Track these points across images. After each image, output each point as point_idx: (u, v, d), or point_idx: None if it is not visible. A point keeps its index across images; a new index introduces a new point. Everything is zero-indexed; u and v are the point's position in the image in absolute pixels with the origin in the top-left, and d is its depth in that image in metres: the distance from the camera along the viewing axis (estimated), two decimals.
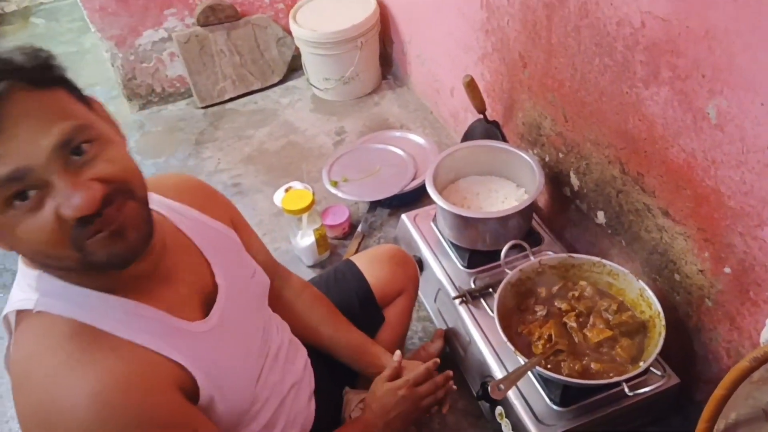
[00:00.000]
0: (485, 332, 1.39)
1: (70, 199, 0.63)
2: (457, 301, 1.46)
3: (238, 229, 1.01)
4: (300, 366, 1.08)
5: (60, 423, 0.66)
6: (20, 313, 0.73)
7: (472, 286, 1.49)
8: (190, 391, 0.78)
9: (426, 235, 1.67)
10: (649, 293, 1.22)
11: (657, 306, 1.20)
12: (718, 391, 0.73)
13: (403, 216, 1.75)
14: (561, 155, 1.57)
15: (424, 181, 1.97)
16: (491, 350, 1.36)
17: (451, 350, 1.55)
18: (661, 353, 1.14)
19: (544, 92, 1.54)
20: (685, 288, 1.26)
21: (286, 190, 2.05)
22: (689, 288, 1.25)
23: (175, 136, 2.65)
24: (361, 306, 1.27)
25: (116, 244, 0.68)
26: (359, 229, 1.99)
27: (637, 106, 1.20)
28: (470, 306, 1.45)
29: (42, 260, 0.71)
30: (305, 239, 1.87)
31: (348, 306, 1.26)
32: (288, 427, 1.00)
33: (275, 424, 0.97)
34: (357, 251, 1.93)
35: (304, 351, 1.13)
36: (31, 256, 0.72)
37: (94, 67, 3.28)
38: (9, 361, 0.74)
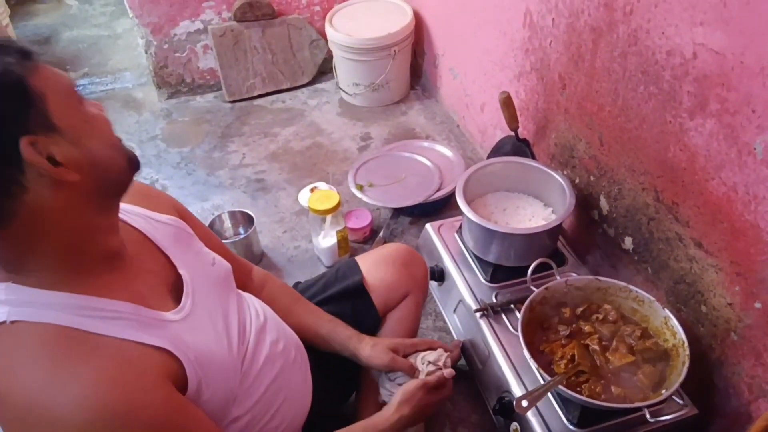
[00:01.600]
0: (505, 347, 1.40)
1: (93, 104, 0.78)
2: (478, 315, 1.46)
3: (186, 220, 1.03)
4: (290, 344, 1.09)
5: (49, 417, 0.65)
6: None
7: (494, 300, 1.50)
8: (179, 380, 0.79)
9: (450, 246, 1.68)
10: (674, 322, 1.23)
11: (681, 335, 1.21)
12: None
13: (428, 225, 1.75)
14: (592, 178, 1.58)
15: (448, 191, 2.01)
16: (510, 366, 1.36)
17: (468, 363, 1.55)
18: (682, 383, 1.14)
19: (582, 115, 1.55)
20: (711, 320, 1.26)
21: (312, 190, 2.06)
22: (715, 320, 1.25)
23: (201, 128, 2.67)
24: (354, 306, 1.26)
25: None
26: (381, 234, 2.00)
27: (680, 135, 1.21)
28: (491, 320, 1.45)
29: (106, 177, 0.76)
30: (327, 240, 1.88)
31: (340, 306, 1.26)
32: (288, 401, 1.02)
33: (274, 400, 0.98)
34: None
35: (292, 332, 1.14)
36: (101, 162, 0.75)
37: (125, 52, 3.31)
38: None
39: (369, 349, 1.18)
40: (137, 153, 2.47)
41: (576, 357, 1.23)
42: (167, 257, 0.92)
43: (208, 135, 2.62)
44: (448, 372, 1.16)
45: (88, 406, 0.66)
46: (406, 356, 1.20)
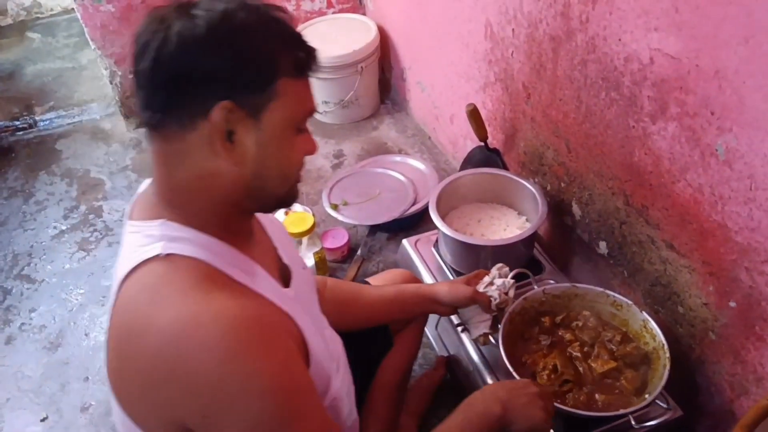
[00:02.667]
0: (488, 361, 1.39)
1: (312, 143, 0.83)
2: (459, 329, 1.45)
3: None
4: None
5: (199, 336, 0.67)
6: (142, 264, 0.73)
7: (459, 330, 1.48)
8: (300, 350, 0.81)
9: (427, 261, 1.67)
10: (653, 325, 1.23)
11: (661, 338, 1.21)
12: (738, 430, 0.73)
13: (404, 241, 1.75)
14: (563, 185, 1.59)
15: (423, 205, 2.00)
16: (494, 379, 1.35)
17: (452, 378, 1.55)
18: (664, 385, 1.15)
19: (548, 123, 1.56)
20: (689, 321, 1.27)
21: (286, 213, 2.04)
22: (692, 321, 1.26)
23: None
24: (371, 329, 1.26)
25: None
26: (359, 252, 1.99)
27: (644, 140, 1.22)
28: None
29: (263, 188, 0.78)
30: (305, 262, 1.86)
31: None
32: (348, 395, 1.01)
33: (343, 395, 0.97)
34: (356, 275, 1.93)
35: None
36: (267, 179, 0.77)
37: (90, 83, 3.27)
38: (125, 296, 0.73)
39: (447, 288, 1.23)
40: (107, 185, 2.46)
41: (559, 367, 1.23)
42: (275, 248, 0.95)
43: None
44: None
45: (233, 338, 0.67)
46: None
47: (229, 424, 0.67)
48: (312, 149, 0.83)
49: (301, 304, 0.89)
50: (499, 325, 1.25)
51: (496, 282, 1.24)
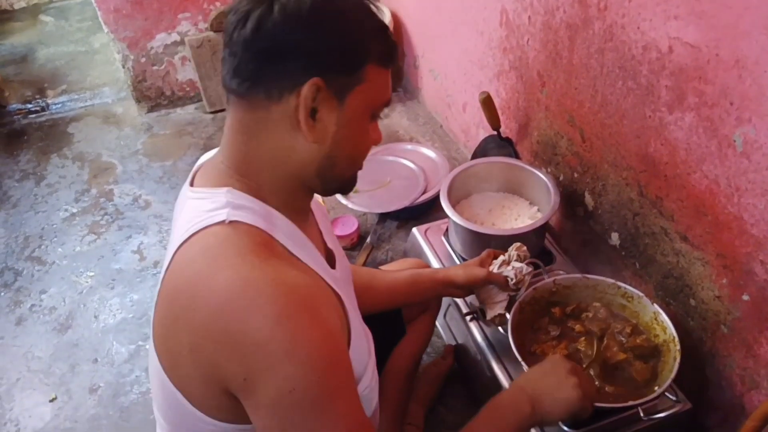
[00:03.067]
0: (496, 350, 1.39)
1: (379, 133, 0.85)
2: (468, 318, 1.45)
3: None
4: None
5: (253, 297, 0.68)
6: (203, 228, 0.75)
7: (477, 305, 1.48)
8: (344, 334, 0.82)
9: (437, 249, 1.67)
10: (664, 317, 1.22)
11: (672, 330, 1.20)
12: (750, 423, 0.73)
13: (414, 229, 1.74)
14: (576, 175, 1.57)
15: (434, 194, 1.99)
16: (502, 368, 1.35)
17: (460, 367, 1.55)
18: (674, 378, 1.14)
19: (562, 112, 1.54)
20: (700, 313, 1.26)
21: None
22: (704, 314, 1.24)
23: (183, 140, 2.64)
24: (384, 315, 1.26)
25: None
26: (368, 240, 1.99)
27: (660, 130, 1.21)
28: (481, 323, 1.44)
29: (332, 169, 0.80)
30: None
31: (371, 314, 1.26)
32: (376, 387, 0.99)
33: (374, 385, 0.96)
34: (365, 263, 1.92)
35: None
36: (337, 161, 0.79)
37: (102, 67, 3.28)
38: (182, 258, 0.74)
39: (461, 270, 1.24)
40: (118, 169, 2.47)
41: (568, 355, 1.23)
42: (320, 232, 0.96)
43: (190, 147, 2.59)
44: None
45: (285, 302, 0.68)
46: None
47: (267, 388, 0.68)
48: (379, 138, 0.85)
49: (345, 288, 0.90)
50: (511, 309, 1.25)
51: (514, 265, 1.24)
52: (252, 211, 0.76)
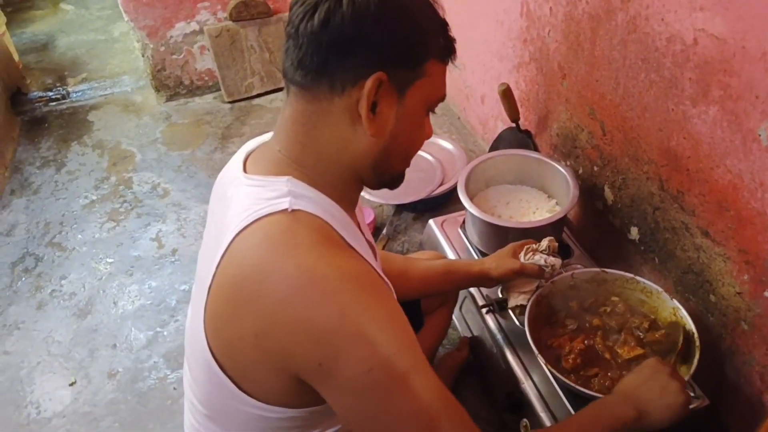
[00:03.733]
0: (512, 343, 1.38)
1: (431, 128, 0.85)
2: (484, 310, 1.45)
3: None
4: None
5: (324, 285, 0.69)
6: (263, 216, 0.76)
7: (500, 295, 1.48)
8: None
9: (453, 242, 1.66)
10: (683, 313, 1.21)
11: (691, 326, 1.19)
12: None
13: (431, 221, 1.74)
14: (596, 168, 1.56)
15: (451, 186, 1.99)
16: (518, 361, 1.35)
17: (475, 359, 1.54)
18: (692, 374, 1.13)
19: (583, 105, 1.53)
20: (720, 310, 1.24)
21: None
22: (725, 310, 1.23)
23: (201, 129, 2.66)
24: (403, 306, 1.26)
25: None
26: (384, 231, 1.99)
27: (683, 123, 1.19)
28: (497, 316, 1.44)
29: (387, 163, 0.81)
30: None
31: None
32: None
33: None
34: None
35: None
36: (393, 154, 0.81)
37: (122, 56, 3.30)
38: (244, 245, 0.74)
39: (495, 263, 1.23)
40: (137, 157, 2.49)
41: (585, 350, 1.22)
42: (358, 224, 0.97)
43: (208, 136, 2.61)
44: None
45: (354, 288, 0.70)
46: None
47: (344, 371, 0.69)
48: (430, 133, 0.86)
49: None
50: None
51: (546, 258, 1.23)
52: (312, 201, 0.77)
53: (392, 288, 0.86)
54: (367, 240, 0.96)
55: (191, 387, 0.90)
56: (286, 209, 0.74)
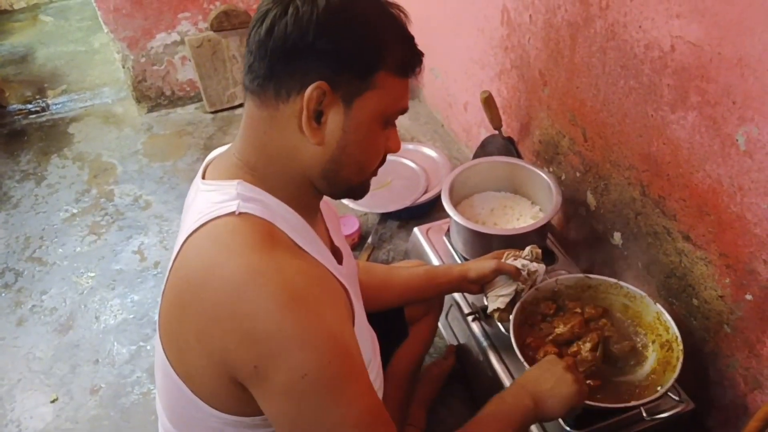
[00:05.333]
0: (498, 350, 1.38)
1: (396, 141, 0.84)
2: (470, 318, 1.45)
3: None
4: None
5: (262, 285, 0.69)
6: (212, 219, 0.76)
7: (486, 303, 1.48)
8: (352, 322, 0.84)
9: (438, 249, 1.66)
10: (667, 317, 1.22)
11: (674, 330, 1.19)
12: (753, 423, 0.73)
13: (416, 229, 1.74)
14: (578, 174, 1.57)
15: (435, 194, 1.99)
16: (504, 368, 1.34)
17: (461, 367, 1.54)
18: (677, 378, 1.13)
19: (564, 111, 1.54)
20: (703, 313, 1.25)
21: None
22: (707, 313, 1.24)
23: (183, 140, 2.64)
24: (386, 316, 1.26)
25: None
26: (369, 240, 1.99)
27: (662, 129, 1.20)
28: (483, 323, 1.43)
29: (337, 173, 0.80)
30: None
31: (374, 315, 1.25)
32: (380, 388, 1.02)
33: (378, 386, 0.97)
34: None
35: None
36: (343, 165, 0.79)
37: (102, 67, 3.27)
38: (191, 247, 0.75)
39: (473, 264, 1.24)
40: (119, 169, 2.47)
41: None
42: (327, 230, 0.97)
43: (190, 147, 2.59)
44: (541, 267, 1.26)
45: (295, 289, 0.70)
46: None
47: (278, 375, 0.68)
48: (395, 147, 0.84)
49: (352, 286, 0.90)
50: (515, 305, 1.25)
51: (526, 263, 1.24)
52: (261, 204, 0.77)
53: (354, 296, 0.86)
54: (335, 246, 0.96)
55: (159, 397, 0.91)
56: (233, 212, 0.74)
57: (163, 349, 0.80)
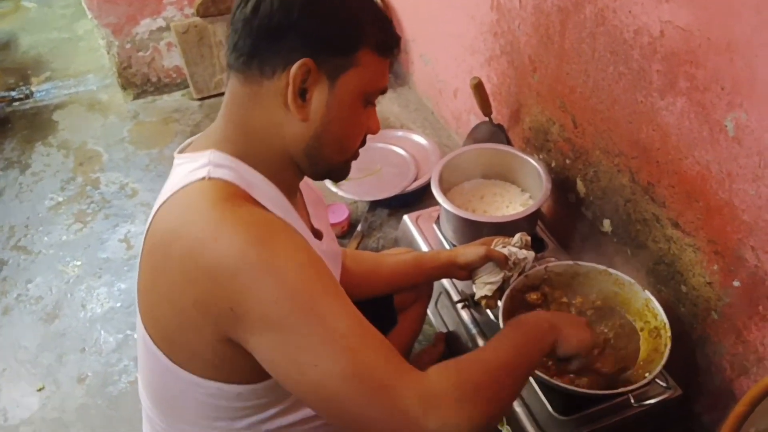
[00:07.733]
0: (488, 337, 1.38)
1: (376, 121, 0.86)
2: (459, 305, 1.44)
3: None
4: None
5: (224, 231, 0.69)
6: (183, 187, 0.76)
7: (474, 289, 1.48)
8: None
9: (428, 237, 1.65)
10: (655, 303, 1.22)
11: (663, 317, 1.20)
12: (740, 407, 0.73)
13: (405, 217, 1.73)
14: (568, 161, 1.56)
15: (425, 181, 1.98)
16: None
17: (451, 355, 1.54)
18: (665, 364, 1.14)
19: (554, 98, 1.53)
20: (691, 300, 1.25)
21: None
22: (695, 300, 1.24)
23: (170, 127, 2.61)
24: (375, 304, 1.25)
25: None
26: (359, 228, 1.98)
27: (652, 115, 1.20)
28: (472, 311, 1.43)
29: (319, 150, 0.81)
30: None
31: (363, 303, 1.25)
32: None
33: None
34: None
35: None
36: (325, 142, 0.80)
37: (87, 54, 3.23)
38: (161, 214, 0.76)
39: (461, 249, 1.23)
40: (104, 157, 2.44)
41: None
42: (308, 215, 0.97)
43: (177, 135, 2.56)
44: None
45: (257, 229, 0.70)
46: None
47: (253, 307, 0.68)
48: (375, 128, 0.86)
49: (332, 264, 0.90)
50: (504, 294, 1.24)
51: (512, 250, 1.23)
52: (233, 170, 0.77)
53: (336, 276, 0.86)
54: (315, 229, 0.96)
55: (140, 377, 0.90)
56: (203, 177, 0.75)
57: (141, 318, 0.81)
